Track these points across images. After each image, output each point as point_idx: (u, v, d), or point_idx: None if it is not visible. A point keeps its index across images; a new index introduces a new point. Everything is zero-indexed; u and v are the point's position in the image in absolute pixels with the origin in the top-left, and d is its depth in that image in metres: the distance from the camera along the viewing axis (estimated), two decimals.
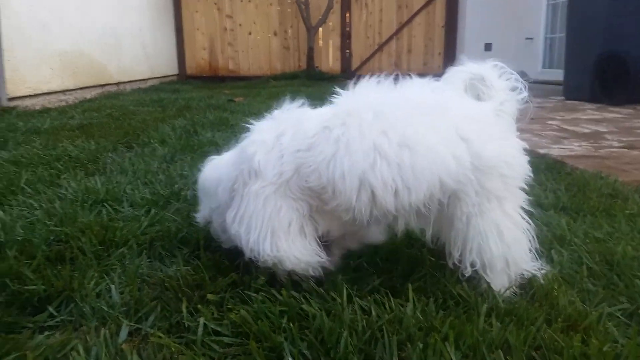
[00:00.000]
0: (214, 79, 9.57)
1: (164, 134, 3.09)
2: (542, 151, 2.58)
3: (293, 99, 1.23)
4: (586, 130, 3.42)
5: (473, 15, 9.94)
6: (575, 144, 2.91)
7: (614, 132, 3.34)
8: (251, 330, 0.93)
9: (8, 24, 4.23)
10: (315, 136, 1.06)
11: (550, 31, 9.32)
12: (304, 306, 1.00)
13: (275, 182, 1.07)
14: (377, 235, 1.28)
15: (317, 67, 9.81)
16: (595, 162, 2.42)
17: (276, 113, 1.19)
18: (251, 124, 1.22)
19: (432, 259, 1.24)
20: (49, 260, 1.23)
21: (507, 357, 0.86)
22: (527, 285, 1.15)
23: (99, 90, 6.14)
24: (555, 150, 2.67)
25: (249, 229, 1.08)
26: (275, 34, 9.98)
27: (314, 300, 1.06)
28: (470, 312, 1.02)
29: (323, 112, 1.13)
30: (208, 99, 5.47)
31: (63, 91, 5.25)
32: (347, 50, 10.19)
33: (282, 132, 1.11)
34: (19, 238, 1.32)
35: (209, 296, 1.05)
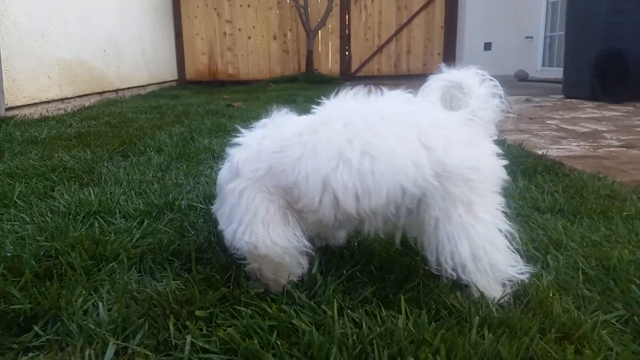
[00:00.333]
0: (214, 84, 9.58)
1: (161, 141, 3.08)
2: (540, 152, 2.56)
3: (283, 106, 1.27)
4: (585, 130, 3.39)
5: (472, 15, 9.92)
6: (574, 143, 2.89)
7: (613, 131, 3.31)
8: (239, 347, 0.91)
9: (6, 34, 4.24)
10: (289, 140, 1.13)
11: (550, 29, 9.29)
12: (294, 321, 0.98)
13: (250, 177, 1.13)
14: (340, 239, 1.36)
15: (317, 69, 9.81)
16: (594, 163, 2.40)
17: (265, 120, 1.24)
18: (241, 132, 1.26)
19: (426, 267, 1.22)
20: (37, 277, 1.22)
21: None
22: (522, 293, 1.13)
23: (98, 98, 6.14)
24: (554, 151, 2.65)
25: (229, 222, 1.15)
26: (274, 37, 9.99)
27: (305, 313, 1.05)
28: (463, 322, 1.00)
29: (302, 120, 1.19)
30: (207, 105, 5.47)
31: (62, 99, 5.25)
32: (347, 53, 10.18)
33: (265, 136, 1.18)
34: (9, 254, 1.31)
35: (198, 312, 1.03)
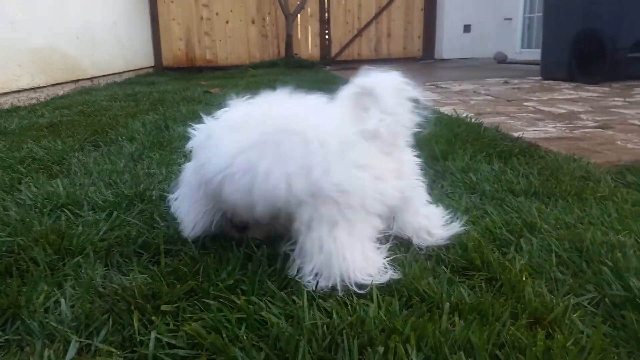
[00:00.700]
0: (192, 70, 9.44)
1: (134, 130, 3.01)
2: (516, 134, 2.56)
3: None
4: (562, 111, 3.41)
5: None
6: (550, 125, 2.90)
7: (589, 112, 3.33)
8: (205, 342, 0.89)
9: None
10: (206, 139, 1.27)
11: (529, 11, 9.32)
12: (263, 313, 0.96)
13: (192, 167, 1.34)
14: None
15: (297, 54, 9.73)
16: (570, 144, 2.41)
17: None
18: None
19: (400, 253, 1.21)
20: None
21: (469, 359, 0.83)
22: (495, 277, 1.12)
23: (72, 86, 6.00)
24: (530, 133, 2.65)
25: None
26: (253, 22, 9.85)
27: (275, 304, 1.02)
28: (435, 309, 0.99)
29: (224, 117, 1.29)
30: (183, 91, 5.38)
31: (34, 89, 5.11)
32: (327, 37, 10.09)
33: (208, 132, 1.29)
34: None
35: (164, 307, 1.00)
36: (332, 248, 1.07)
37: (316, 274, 1.09)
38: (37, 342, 0.92)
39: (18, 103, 4.74)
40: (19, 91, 4.81)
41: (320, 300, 1.04)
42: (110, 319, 0.98)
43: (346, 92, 1.16)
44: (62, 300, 1.04)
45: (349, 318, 0.95)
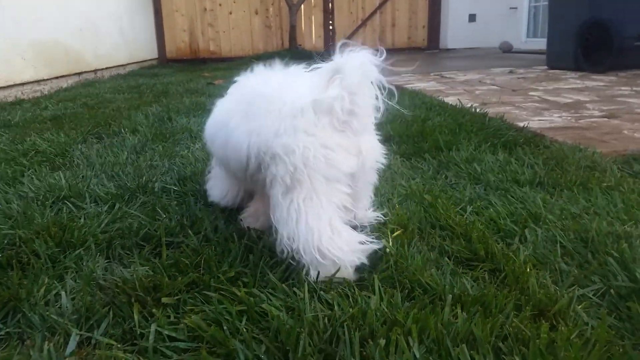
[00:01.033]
0: (195, 62, 9.40)
1: (137, 122, 3.01)
2: (521, 124, 2.53)
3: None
4: (568, 100, 3.37)
5: None
6: (556, 115, 2.86)
7: (595, 101, 3.29)
8: (205, 335, 0.88)
9: None
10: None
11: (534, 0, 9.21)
12: (264, 305, 0.95)
13: None
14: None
15: (300, 45, 9.66)
16: (575, 134, 2.38)
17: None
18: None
19: (399, 248, 1.20)
20: (0, 267, 1.17)
21: (472, 351, 0.82)
22: (499, 268, 1.11)
23: (76, 79, 5.99)
24: (536, 123, 2.62)
25: None
26: (256, 12, 9.78)
27: (276, 296, 1.02)
28: (437, 301, 0.98)
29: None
30: (187, 83, 5.36)
31: (37, 81, 5.11)
32: (330, 27, 10.02)
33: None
34: None
35: (164, 299, 1.00)
36: (291, 211, 1.09)
37: (288, 239, 1.09)
38: (38, 335, 0.92)
39: (22, 96, 4.74)
40: (22, 84, 4.81)
41: (321, 292, 1.03)
42: (111, 312, 0.98)
43: (324, 67, 1.16)
44: (63, 293, 1.03)
45: (350, 310, 0.94)
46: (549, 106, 3.17)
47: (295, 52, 9.15)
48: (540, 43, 7.44)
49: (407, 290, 1.03)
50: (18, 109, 3.80)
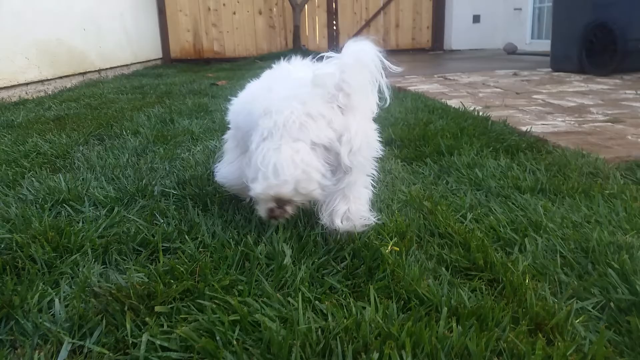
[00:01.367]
0: (199, 62, 9.41)
1: (139, 123, 3.00)
2: (524, 128, 2.51)
3: None
4: (571, 104, 3.35)
5: None
6: (559, 119, 2.84)
7: (599, 105, 3.27)
8: (197, 345, 0.87)
9: None
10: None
11: (539, 1, 9.17)
12: (257, 315, 0.94)
13: None
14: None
15: (304, 45, 9.65)
16: (579, 139, 2.36)
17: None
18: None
19: (397, 257, 1.19)
20: None
21: None
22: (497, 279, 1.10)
23: (80, 79, 6.00)
24: (539, 127, 2.60)
25: None
26: (260, 12, 9.78)
27: (271, 306, 1.01)
28: (433, 313, 0.97)
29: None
30: (190, 84, 5.36)
31: (41, 81, 5.12)
32: (334, 27, 10.01)
33: None
34: None
35: (157, 308, 0.99)
36: (258, 154, 1.24)
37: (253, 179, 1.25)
38: (29, 344, 0.91)
39: (26, 96, 4.75)
40: (27, 84, 4.82)
41: (317, 302, 1.02)
42: (104, 320, 0.97)
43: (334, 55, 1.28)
44: (57, 300, 1.03)
45: (345, 321, 0.93)
46: (552, 110, 3.14)
47: (299, 52, 9.16)
48: (545, 45, 7.41)
49: (403, 301, 1.02)
50: (22, 109, 3.81)
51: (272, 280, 1.11)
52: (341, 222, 1.29)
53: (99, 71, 6.55)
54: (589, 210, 1.50)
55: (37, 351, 0.88)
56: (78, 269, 1.20)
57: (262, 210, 1.28)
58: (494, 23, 9.86)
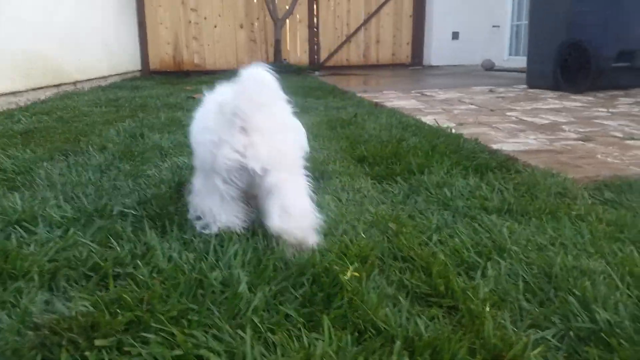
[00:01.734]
0: (179, 74, 9.35)
1: (108, 138, 2.94)
2: (495, 146, 2.51)
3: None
4: (545, 121, 3.37)
5: (440, 4, 9.90)
6: (532, 137, 2.86)
7: (572, 123, 3.30)
8: None
9: None
10: None
11: (517, 18, 9.34)
12: (202, 351, 0.89)
13: None
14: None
15: (285, 59, 9.66)
16: (549, 157, 2.36)
17: None
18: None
19: (356, 284, 1.15)
20: None
21: None
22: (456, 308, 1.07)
23: (54, 91, 5.89)
24: (510, 145, 2.61)
25: None
26: (241, 26, 9.79)
27: (220, 339, 0.96)
28: (388, 344, 0.93)
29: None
30: (166, 97, 5.30)
31: (13, 93, 5.00)
32: (315, 42, 10.05)
33: None
34: None
35: (97, 342, 0.93)
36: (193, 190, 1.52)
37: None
38: None
39: None
40: None
41: (269, 333, 0.97)
42: (39, 355, 0.91)
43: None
44: None
45: (296, 355, 0.88)
46: (525, 127, 3.16)
47: (280, 67, 9.15)
48: (522, 61, 7.51)
49: (359, 332, 0.98)
50: None
51: (225, 309, 1.07)
52: (277, 219, 1.33)
53: (74, 83, 6.44)
54: (554, 232, 1.49)
55: None
56: (21, 298, 1.13)
57: None
58: (473, 40, 10.00)
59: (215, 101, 1.42)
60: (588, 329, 0.99)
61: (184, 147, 2.75)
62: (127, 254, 1.33)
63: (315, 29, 9.97)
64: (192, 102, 4.78)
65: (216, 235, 1.42)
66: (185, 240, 1.44)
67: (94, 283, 1.21)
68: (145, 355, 0.90)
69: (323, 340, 0.93)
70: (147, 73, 9.42)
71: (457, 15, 9.92)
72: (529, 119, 3.47)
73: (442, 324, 1.01)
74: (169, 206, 1.71)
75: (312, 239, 1.36)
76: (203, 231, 1.45)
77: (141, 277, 1.21)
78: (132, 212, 1.67)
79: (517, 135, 2.91)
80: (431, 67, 10.00)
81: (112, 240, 1.43)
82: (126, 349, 0.94)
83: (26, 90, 5.23)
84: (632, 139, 2.77)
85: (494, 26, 9.64)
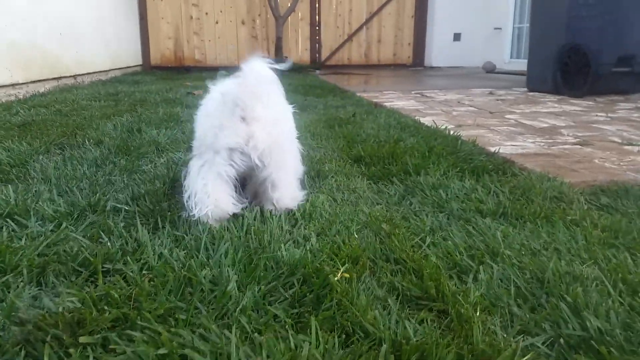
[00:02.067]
0: (180, 70, 9.33)
1: (104, 132, 2.93)
2: (493, 149, 2.50)
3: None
4: (543, 125, 3.36)
5: (442, 5, 9.88)
6: (530, 140, 2.85)
7: (570, 127, 3.29)
8: None
9: None
10: None
11: (519, 21, 9.32)
12: (187, 351, 0.88)
13: None
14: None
15: (286, 57, 9.64)
16: (546, 161, 2.35)
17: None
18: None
19: (346, 285, 1.14)
20: None
21: None
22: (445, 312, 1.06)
23: (54, 84, 5.88)
24: (508, 148, 2.60)
25: None
26: (243, 22, 9.77)
27: (206, 339, 0.95)
28: (375, 347, 0.92)
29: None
30: (166, 92, 5.29)
31: (12, 85, 4.99)
32: (317, 40, 10.03)
33: None
34: None
35: (82, 339, 0.92)
36: (190, 172, 1.56)
37: (185, 190, 1.56)
38: None
39: None
40: None
41: (256, 334, 0.96)
42: (23, 351, 0.90)
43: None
44: None
45: (281, 357, 0.88)
46: (524, 130, 3.15)
47: (281, 63, 9.13)
48: (523, 64, 7.50)
49: (347, 335, 0.97)
50: None
51: (213, 309, 1.06)
52: (272, 205, 1.59)
53: (74, 76, 6.43)
54: (549, 237, 1.48)
55: None
56: (8, 292, 1.13)
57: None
58: (474, 41, 9.98)
59: (219, 91, 1.55)
60: (579, 336, 0.98)
61: (181, 143, 2.74)
62: (118, 250, 1.32)
63: (317, 27, 9.95)
64: (191, 98, 4.77)
65: (206, 222, 1.48)
66: (177, 237, 1.43)
67: (83, 279, 1.20)
68: (130, 353, 0.89)
69: (310, 342, 0.92)
70: (148, 68, 9.41)
71: (459, 16, 9.90)
72: (528, 122, 3.46)
73: (431, 328, 1.00)
74: (162, 202, 1.70)
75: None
76: (193, 213, 1.48)
77: (130, 273, 1.20)
78: (125, 207, 1.66)
79: (516, 138, 2.90)
80: (432, 68, 9.99)
81: (104, 236, 1.42)
82: (111, 346, 0.93)
83: (25, 83, 5.22)
84: (631, 144, 2.76)
85: (495, 28, 9.62)
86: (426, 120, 3.41)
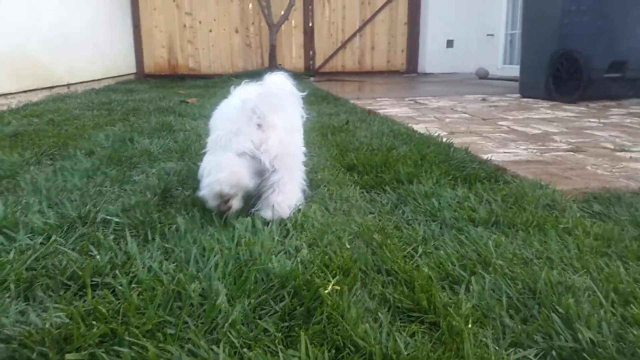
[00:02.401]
0: (174, 78, 9.33)
1: (96, 142, 2.91)
2: (485, 156, 2.50)
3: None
4: (536, 131, 3.37)
5: (435, 12, 9.94)
6: (522, 147, 2.85)
7: (563, 133, 3.30)
8: None
9: None
10: None
11: (511, 27, 9.38)
12: None
13: None
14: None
15: (280, 65, 9.66)
16: (538, 168, 2.36)
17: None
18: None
19: (337, 298, 1.13)
20: None
21: None
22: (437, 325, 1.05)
23: (47, 93, 5.86)
24: (500, 155, 2.60)
25: None
26: (236, 31, 9.79)
27: (195, 355, 0.94)
28: None
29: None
30: (159, 101, 5.28)
31: (4, 95, 4.97)
32: (310, 48, 10.05)
33: None
34: None
35: (68, 356, 0.91)
36: (204, 162, 1.69)
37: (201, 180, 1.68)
38: None
39: None
40: None
41: (245, 350, 0.95)
42: None
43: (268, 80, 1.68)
44: None
45: None
46: (516, 137, 3.16)
47: (274, 72, 9.13)
48: (516, 70, 7.53)
49: (336, 350, 0.96)
50: None
51: (202, 323, 1.05)
52: (270, 212, 1.63)
53: (67, 85, 6.41)
54: (541, 246, 1.47)
55: None
56: None
57: (212, 207, 1.63)
58: (467, 48, 10.04)
59: (239, 97, 1.66)
60: (570, 348, 0.98)
61: (173, 153, 2.73)
62: (107, 263, 1.30)
63: (310, 35, 9.97)
64: (185, 107, 4.76)
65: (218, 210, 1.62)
66: (167, 249, 1.42)
67: (72, 293, 1.19)
68: None
69: (299, 358, 0.91)
70: (142, 76, 9.40)
71: (452, 23, 9.96)
72: (521, 129, 3.47)
73: (422, 341, 0.99)
74: (153, 214, 1.69)
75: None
76: (207, 182, 1.59)
77: (119, 287, 1.19)
78: (116, 219, 1.64)
79: (508, 145, 2.91)
80: (425, 74, 10.03)
81: (93, 249, 1.40)
82: None
83: (17, 92, 5.19)
84: (623, 150, 2.77)
85: (488, 35, 9.68)
86: (419, 128, 3.41)
